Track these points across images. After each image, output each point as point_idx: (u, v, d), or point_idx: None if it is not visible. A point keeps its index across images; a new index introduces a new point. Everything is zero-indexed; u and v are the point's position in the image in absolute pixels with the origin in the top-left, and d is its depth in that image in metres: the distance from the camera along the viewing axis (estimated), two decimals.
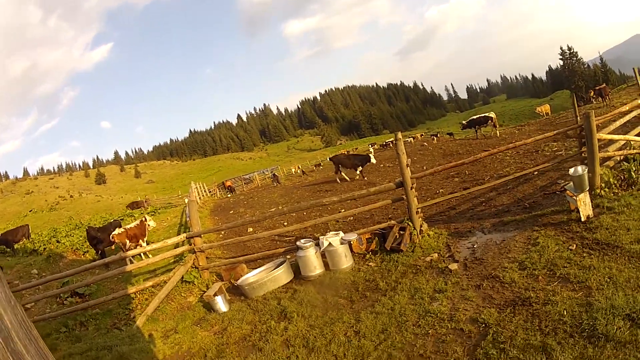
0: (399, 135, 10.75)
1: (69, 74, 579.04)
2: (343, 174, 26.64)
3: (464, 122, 41.03)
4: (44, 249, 22.73)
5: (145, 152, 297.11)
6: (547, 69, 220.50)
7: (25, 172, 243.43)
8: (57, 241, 24.23)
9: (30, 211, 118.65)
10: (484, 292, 6.96)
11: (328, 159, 28.81)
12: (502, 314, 6.08)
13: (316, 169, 67.12)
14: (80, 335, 10.48)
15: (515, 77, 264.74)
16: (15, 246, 25.41)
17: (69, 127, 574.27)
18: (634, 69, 26.15)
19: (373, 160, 26.66)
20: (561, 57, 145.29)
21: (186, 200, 39.44)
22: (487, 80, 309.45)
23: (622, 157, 10.84)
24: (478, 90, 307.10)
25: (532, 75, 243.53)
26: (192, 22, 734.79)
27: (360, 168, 25.75)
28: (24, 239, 26.66)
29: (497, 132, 34.98)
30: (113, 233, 17.47)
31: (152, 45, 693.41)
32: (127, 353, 8.31)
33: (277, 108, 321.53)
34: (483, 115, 37.94)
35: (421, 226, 10.32)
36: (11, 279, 14.47)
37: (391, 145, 68.60)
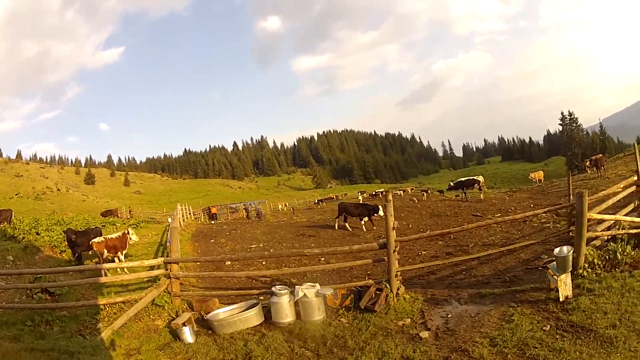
0: (390, 196, 10.71)
1: (78, 69, 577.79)
2: (347, 223, 25.78)
3: (451, 182, 41.24)
4: (23, 238, 22.55)
5: (138, 162, 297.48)
6: (546, 133, 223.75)
7: (19, 155, 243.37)
8: (37, 233, 23.94)
9: (16, 194, 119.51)
10: None
11: (337, 204, 27.99)
12: None
13: (315, 207, 67.50)
14: (44, 333, 10.38)
15: (513, 139, 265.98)
16: None
17: (69, 121, 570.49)
18: (639, 137, 26.23)
19: (381, 213, 24.56)
20: (561, 122, 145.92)
21: (169, 220, 39.32)
22: (484, 140, 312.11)
23: (609, 237, 10.80)
24: (474, 149, 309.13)
25: (530, 138, 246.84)
26: (204, 41, 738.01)
27: (365, 219, 25.02)
28: (5, 223, 26.96)
29: (482, 195, 35.07)
30: (93, 240, 17.18)
31: (162, 57, 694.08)
32: None
33: (274, 141, 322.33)
34: (471, 178, 38.41)
35: (398, 289, 10.26)
36: None
37: (380, 195, 68.91)
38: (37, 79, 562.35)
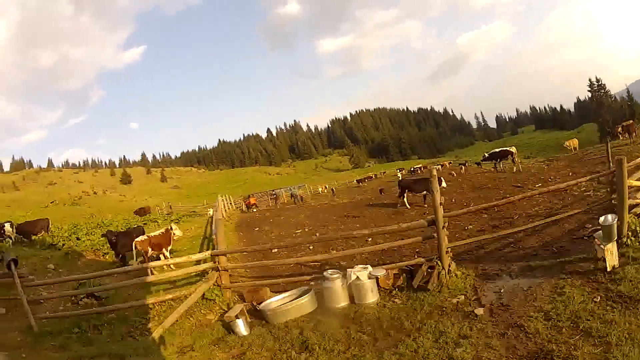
0: (434, 172, 10.68)
1: (100, 72, 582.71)
2: (406, 200, 25.37)
3: (485, 154, 40.95)
4: (63, 244, 22.73)
5: (173, 157, 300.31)
6: (575, 100, 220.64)
7: (50, 163, 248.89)
8: (77, 238, 24.31)
9: (51, 202, 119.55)
10: (508, 342, 6.88)
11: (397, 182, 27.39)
12: None
13: (356, 187, 68.10)
14: (92, 338, 10.41)
15: (544, 107, 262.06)
16: (34, 238, 25.54)
17: (97, 124, 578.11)
18: None
19: (444, 184, 25.15)
20: (589, 89, 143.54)
21: (210, 212, 39.46)
22: (517, 110, 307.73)
23: None
24: (507, 119, 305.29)
25: (561, 106, 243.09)
26: (225, 31, 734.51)
27: (425, 192, 24.26)
28: (43, 232, 26.66)
29: (515, 167, 34.45)
30: (136, 240, 17.26)
31: (184, 51, 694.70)
32: None
33: (307, 125, 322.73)
34: (504, 149, 38.11)
35: (449, 266, 10.13)
36: (26, 271, 13.99)
37: (419, 171, 68.54)
38: (58, 87, 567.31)
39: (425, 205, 23.51)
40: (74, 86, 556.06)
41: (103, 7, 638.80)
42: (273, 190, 77.09)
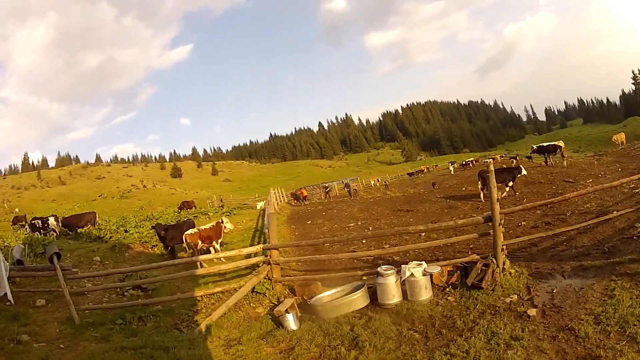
0: (491, 167, 10.53)
1: (147, 71, 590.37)
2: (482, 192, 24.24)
3: (534, 146, 40.60)
4: (110, 237, 23.13)
5: (224, 151, 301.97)
6: (621, 92, 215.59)
7: (98, 158, 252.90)
8: (125, 231, 24.64)
9: (99, 196, 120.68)
10: (558, 345, 6.78)
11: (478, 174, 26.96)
12: None
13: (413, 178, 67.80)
14: (136, 330, 10.52)
15: (592, 100, 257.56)
16: (80, 231, 26.06)
17: (146, 120, 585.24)
18: None
19: (524, 172, 24.59)
20: (633, 81, 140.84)
21: (259, 206, 39.86)
22: (565, 103, 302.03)
23: None
24: (556, 112, 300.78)
25: (607, 99, 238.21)
26: (272, 28, 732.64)
27: (511, 183, 23.77)
28: (90, 225, 27.24)
29: (565, 162, 34.22)
30: (186, 233, 17.46)
31: (232, 48, 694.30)
32: (185, 358, 8.28)
33: (359, 119, 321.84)
34: (553, 143, 37.49)
35: (504, 264, 9.94)
36: (70, 263, 14.10)
37: (471, 165, 68.09)
38: (105, 86, 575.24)
39: (517, 194, 23.02)
40: (122, 85, 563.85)
41: (147, 10, 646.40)
42: (325, 183, 77.07)
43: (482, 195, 24.01)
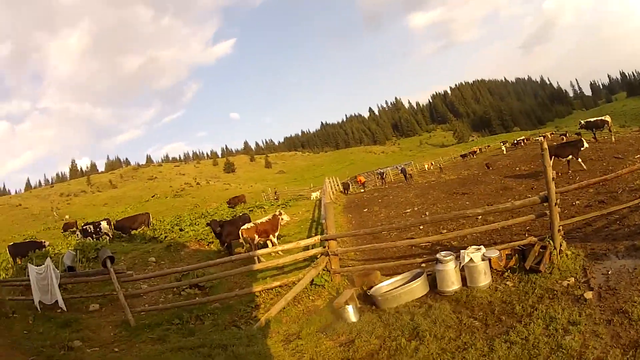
0: (545, 145, 10.29)
1: (191, 68, 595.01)
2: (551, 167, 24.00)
3: (582, 122, 40.14)
4: (165, 237, 23.55)
5: (276, 142, 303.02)
6: None
7: (149, 159, 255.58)
8: (180, 229, 24.93)
9: (152, 196, 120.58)
10: (613, 329, 6.72)
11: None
12: (625, 357, 6.05)
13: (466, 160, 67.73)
14: (194, 329, 10.80)
15: (633, 73, 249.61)
16: (134, 232, 26.55)
17: (194, 118, 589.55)
18: None
19: (586, 145, 24.34)
20: None
21: (313, 196, 40.05)
22: (608, 76, 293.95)
23: None
24: (601, 87, 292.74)
25: None
26: (313, 15, 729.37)
27: (570, 157, 23.69)
28: (143, 227, 27.71)
29: (613, 137, 33.86)
30: (242, 228, 17.51)
31: (274, 39, 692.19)
32: (243, 355, 8.36)
33: (409, 102, 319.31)
34: (600, 118, 37.56)
35: (560, 245, 9.79)
36: (124, 266, 14.44)
37: (522, 144, 67.49)
38: (149, 86, 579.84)
39: (570, 172, 22.84)
40: (166, 85, 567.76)
41: (184, 8, 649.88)
42: (380, 169, 76.89)
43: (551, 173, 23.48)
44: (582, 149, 23.75)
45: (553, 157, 23.50)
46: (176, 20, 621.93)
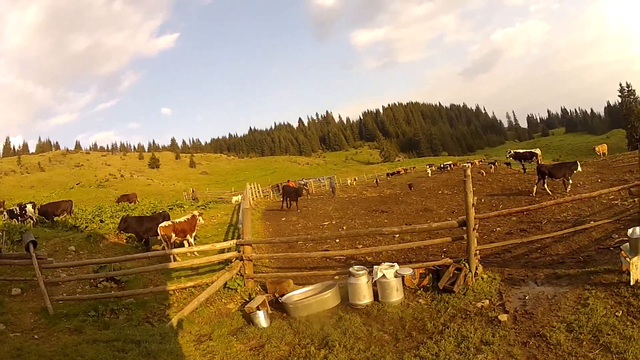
0: (469, 172, 10.33)
1: (133, 57, 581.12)
2: (546, 186, 23.38)
3: (510, 150, 40.78)
4: (86, 226, 23.06)
5: (203, 143, 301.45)
6: (606, 104, 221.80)
7: (78, 146, 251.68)
8: (101, 221, 24.46)
9: (77, 184, 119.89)
10: (529, 352, 6.84)
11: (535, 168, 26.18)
12: None
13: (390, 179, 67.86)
14: (109, 322, 10.46)
15: (575, 110, 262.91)
16: (56, 219, 25.86)
17: (128, 108, 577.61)
18: None
19: (579, 168, 24.05)
20: (620, 94, 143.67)
21: (234, 200, 39.71)
22: (548, 111, 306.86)
23: None
24: (538, 120, 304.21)
25: (591, 110, 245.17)
26: (259, 20, 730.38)
27: (562, 177, 23.19)
28: (66, 214, 26.91)
29: None
30: (160, 225, 17.22)
31: (217, 39, 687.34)
32: (156, 352, 8.23)
33: (339, 116, 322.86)
34: (529, 150, 38.04)
35: (476, 268, 10.04)
36: (45, 252, 13.67)
37: (449, 168, 68.31)
38: (90, 71, 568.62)
39: (568, 191, 22.32)
40: (107, 71, 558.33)
41: None
42: (303, 180, 77.12)
43: (535, 190, 23.42)
44: (575, 171, 23.59)
45: (547, 176, 23.45)
46: (128, 6, 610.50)
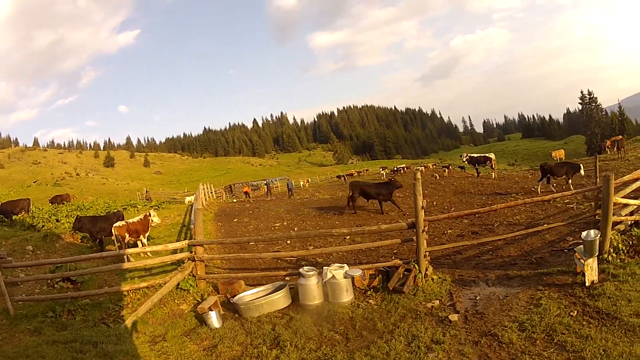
0: (418, 175, 10.41)
1: (93, 54, 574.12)
2: (552, 185, 23.71)
3: (464, 154, 41.17)
4: (43, 226, 22.67)
5: (158, 142, 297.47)
6: (565, 111, 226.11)
7: (36, 142, 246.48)
8: (57, 220, 24.16)
9: (34, 182, 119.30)
10: (481, 350, 6.88)
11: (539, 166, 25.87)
12: None
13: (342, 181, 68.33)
14: (66, 323, 10.37)
15: (533, 116, 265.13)
16: (15, 218, 25.48)
17: (86, 105, 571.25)
18: None
19: (582, 172, 24.12)
20: (580, 101, 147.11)
21: (187, 200, 39.46)
22: (505, 117, 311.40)
23: (632, 222, 10.68)
24: (495, 125, 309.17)
25: (550, 116, 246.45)
26: (221, 20, 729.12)
27: (570, 180, 23.34)
28: (24, 213, 26.54)
29: (494, 174, 34.95)
30: (114, 225, 17.19)
31: (177, 38, 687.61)
32: (112, 353, 8.22)
33: (294, 118, 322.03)
34: (483, 155, 38.39)
35: (426, 269, 10.12)
36: (4, 252, 14.35)
37: (402, 171, 68.61)
38: (51, 67, 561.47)
39: (572, 188, 21.72)
40: (67, 68, 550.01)
41: None
42: (255, 182, 77.02)
43: (539, 189, 23.64)
44: (577, 173, 23.77)
45: (548, 175, 23.67)
46: (92, 2, 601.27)
